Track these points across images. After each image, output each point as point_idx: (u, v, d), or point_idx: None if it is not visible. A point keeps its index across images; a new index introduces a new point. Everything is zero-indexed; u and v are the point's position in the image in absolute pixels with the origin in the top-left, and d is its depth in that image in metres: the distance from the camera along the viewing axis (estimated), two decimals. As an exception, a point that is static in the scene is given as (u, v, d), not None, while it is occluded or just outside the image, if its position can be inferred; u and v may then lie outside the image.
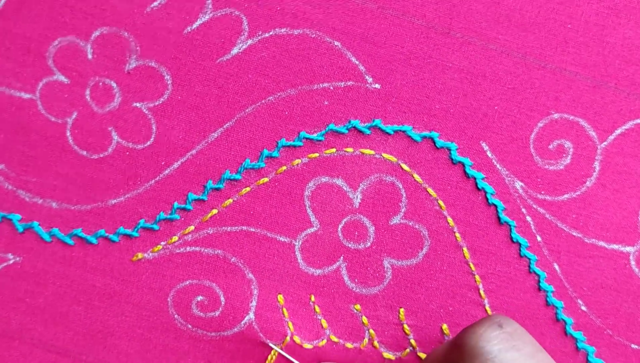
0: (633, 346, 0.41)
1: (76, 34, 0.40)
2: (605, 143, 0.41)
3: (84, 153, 0.41)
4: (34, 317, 0.42)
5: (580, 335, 0.41)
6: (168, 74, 0.40)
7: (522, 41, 0.40)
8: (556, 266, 0.41)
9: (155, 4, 0.40)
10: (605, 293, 0.41)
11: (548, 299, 0.41)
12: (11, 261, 0.41)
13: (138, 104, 0.40)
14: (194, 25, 0.40)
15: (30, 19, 0.40)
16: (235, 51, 0.40)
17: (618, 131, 0.41)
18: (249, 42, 0.40)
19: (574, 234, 0.41)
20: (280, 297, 0.41)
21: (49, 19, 0.40)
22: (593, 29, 0.40)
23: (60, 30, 0.40)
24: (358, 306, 0.42)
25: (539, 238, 0.41)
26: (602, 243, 0.41)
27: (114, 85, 0.40)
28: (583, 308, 0.41)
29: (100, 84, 0.40)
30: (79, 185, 0.41)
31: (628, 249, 0.41)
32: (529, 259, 0.41)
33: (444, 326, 0.41)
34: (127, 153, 0.41)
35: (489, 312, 0.41)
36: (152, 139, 0.41)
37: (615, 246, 0.41)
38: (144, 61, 0.40)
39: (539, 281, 0.41)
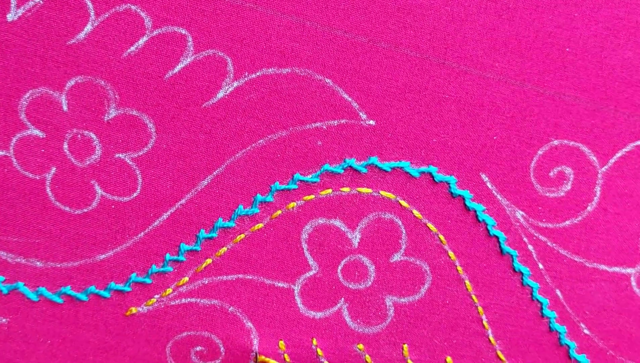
0: (636, 367, 0.41)
1: (49, 84, 0.37)
2: (605, 167, 0.40)
3: (67, 208, 0.38)
4: (26, 377, 0.40)
5: (584, 358, 0.41)
6: (151, 122, 0.38)
7: (519, 68, 0.38)
8: (558, 292, 0.41)
9: (132, 49, 0.37)
10: (607, 315, 0.41)
11: (551, 325, 0.41)
12: (-3, 322, 0.40)
13: (121, 155, 0.38)
14: (176, 70, 0.37)
15: (-3, 72, 0.37)
16: (221, 94, 0.38)
17: (619, 154, 0.40)
18: (235, 84, 0.38)
19: (576, 259, 0.40)
20: (282, 343, 0.40)
21: (17, 71, 0.37)
22: (592, 51, 0.39)
23: (31, 82, 0.37)
24: (361, 346, 0.41)
25: (540, 266, 0.40)
26: (603, 267, 0.41)
27: (94, 136, 0.38)
28: (586, 331, 0.41)
29: (79, 136, 0.38)
30: (64, 242, 0.39)
31: (629, 271, 0.41)
32: (531, 287, 0.40)
33: (448, 358, 0.41)
34: (113, 206, 0.39)
35: (493, 342, 0.41)
36: (138, 190, 0.39)
37: (616, 269, 0.41)
38: (124, 110, 0.38)
39: (541, 309, 0.41)
